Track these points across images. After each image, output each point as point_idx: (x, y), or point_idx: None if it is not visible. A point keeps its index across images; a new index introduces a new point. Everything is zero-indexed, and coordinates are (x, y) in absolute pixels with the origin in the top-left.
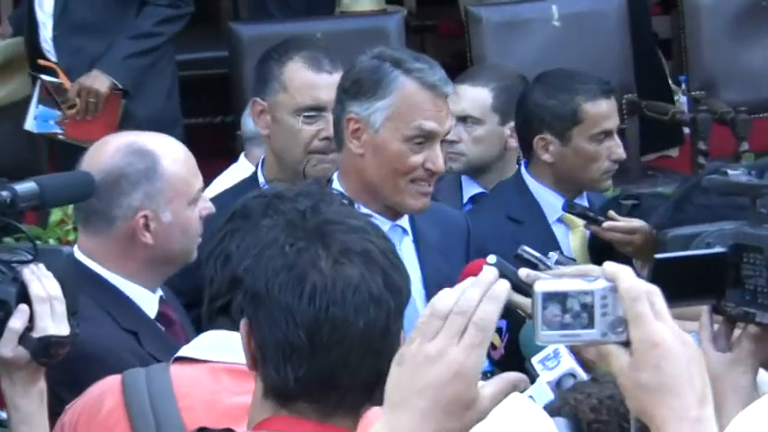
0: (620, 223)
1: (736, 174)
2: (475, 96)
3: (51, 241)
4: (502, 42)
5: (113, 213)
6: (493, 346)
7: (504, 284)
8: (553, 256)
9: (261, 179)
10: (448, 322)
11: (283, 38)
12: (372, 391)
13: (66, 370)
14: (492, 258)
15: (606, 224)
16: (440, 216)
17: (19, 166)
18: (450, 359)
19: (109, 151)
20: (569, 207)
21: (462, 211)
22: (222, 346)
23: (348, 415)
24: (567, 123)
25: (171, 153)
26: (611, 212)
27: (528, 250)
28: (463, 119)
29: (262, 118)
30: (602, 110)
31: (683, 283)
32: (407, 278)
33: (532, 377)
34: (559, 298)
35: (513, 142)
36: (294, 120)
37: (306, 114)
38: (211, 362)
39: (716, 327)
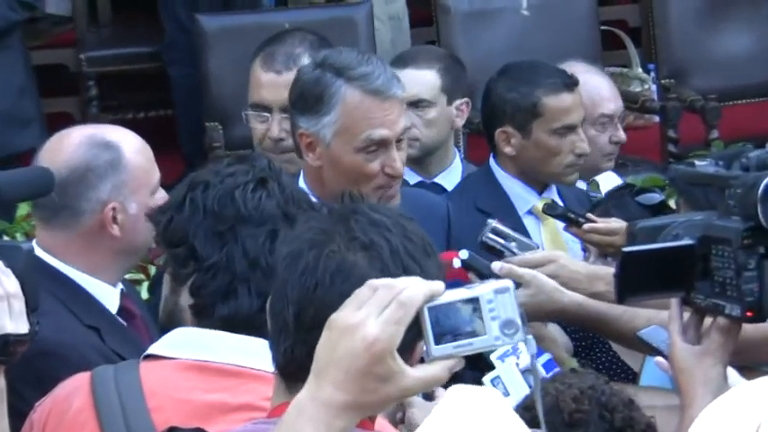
0: (600, 225)
1: (704, 165)
2: (424, 79)
3: (18, 236)
4: (471, 32)
5: (81, 208)
6: None
7: (441, 285)
8: (491, 222)
9: None
10: (375, 295)
11: (248, 30)
12: None
13: (28, 367)
14: (464, 253)
15: (586, 226)
16: (416, 203)
17: None
18: (365, 332)
19: (71, 145)
20: (549, 208)
21: (443, 198)
22: (192, 343)
23: None
24: (528, 116)
25: (131, 144)
26: (590, 215)
27: (492, 237)
28: (414, 103)
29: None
30: (564, 104)
31: (651, 276)
32: None
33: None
34: (445, 310)
35: (460, 122)
36: (251, 117)
37: (253, 113)
38: (181, 359)
39: (685, 318)
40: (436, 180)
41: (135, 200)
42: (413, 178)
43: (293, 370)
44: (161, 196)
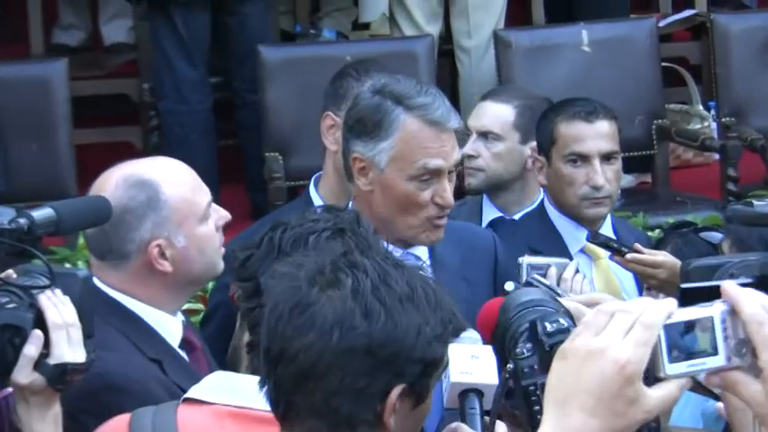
0: (644, 256)
1: (762, 204)
2: (497, 112)
3: (80, 263)
4: (531, 67)
5: (126, 249)
6: None
7: (675, 303)
8: (523, 261)
9: (315, 198)
10: (614, 319)
11: (309, 62)
12: (336, 426)
13: (95, 401)
14: (510, 285)
15: (629, 256)
16: (463, 236)
17: None
18: (615, 355)
19: (109, 188)
20: (593, 237)
21: (489, 231)
22: (229, 389)
23: None
24: (547, 143)
25: (170, 177)
26: (637, 245)
27: (536, 278)
28: (484, 134)
29: (331, 133)
30: (576, 132)
31: None
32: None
33: None
34: (680, 328)
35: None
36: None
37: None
38: (218, 404)
39: None
40: (515, 217)
41: (181, 233)
42: (493, 213)
43: (272, 403)
44: (221, 216)
